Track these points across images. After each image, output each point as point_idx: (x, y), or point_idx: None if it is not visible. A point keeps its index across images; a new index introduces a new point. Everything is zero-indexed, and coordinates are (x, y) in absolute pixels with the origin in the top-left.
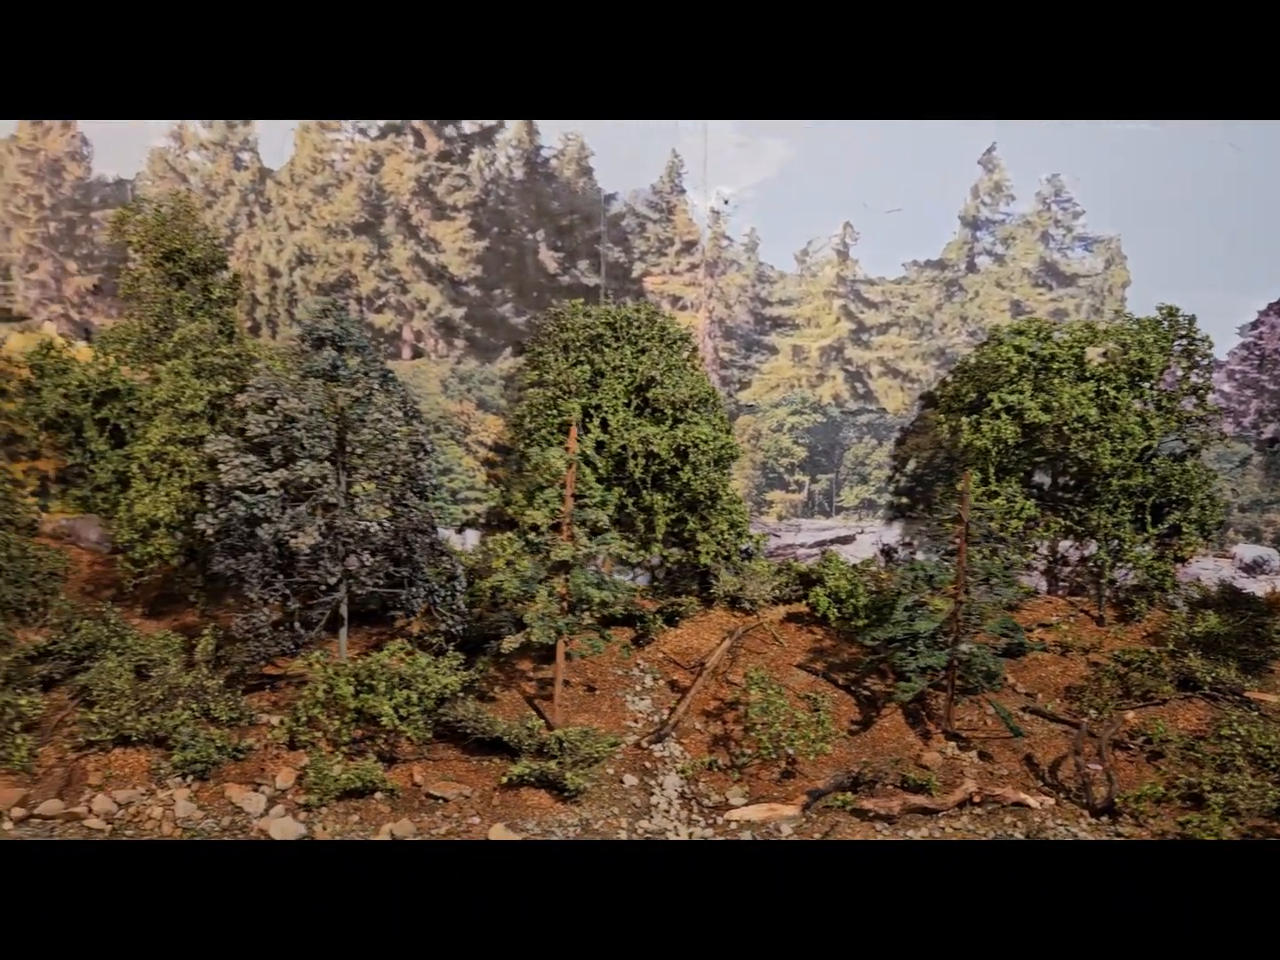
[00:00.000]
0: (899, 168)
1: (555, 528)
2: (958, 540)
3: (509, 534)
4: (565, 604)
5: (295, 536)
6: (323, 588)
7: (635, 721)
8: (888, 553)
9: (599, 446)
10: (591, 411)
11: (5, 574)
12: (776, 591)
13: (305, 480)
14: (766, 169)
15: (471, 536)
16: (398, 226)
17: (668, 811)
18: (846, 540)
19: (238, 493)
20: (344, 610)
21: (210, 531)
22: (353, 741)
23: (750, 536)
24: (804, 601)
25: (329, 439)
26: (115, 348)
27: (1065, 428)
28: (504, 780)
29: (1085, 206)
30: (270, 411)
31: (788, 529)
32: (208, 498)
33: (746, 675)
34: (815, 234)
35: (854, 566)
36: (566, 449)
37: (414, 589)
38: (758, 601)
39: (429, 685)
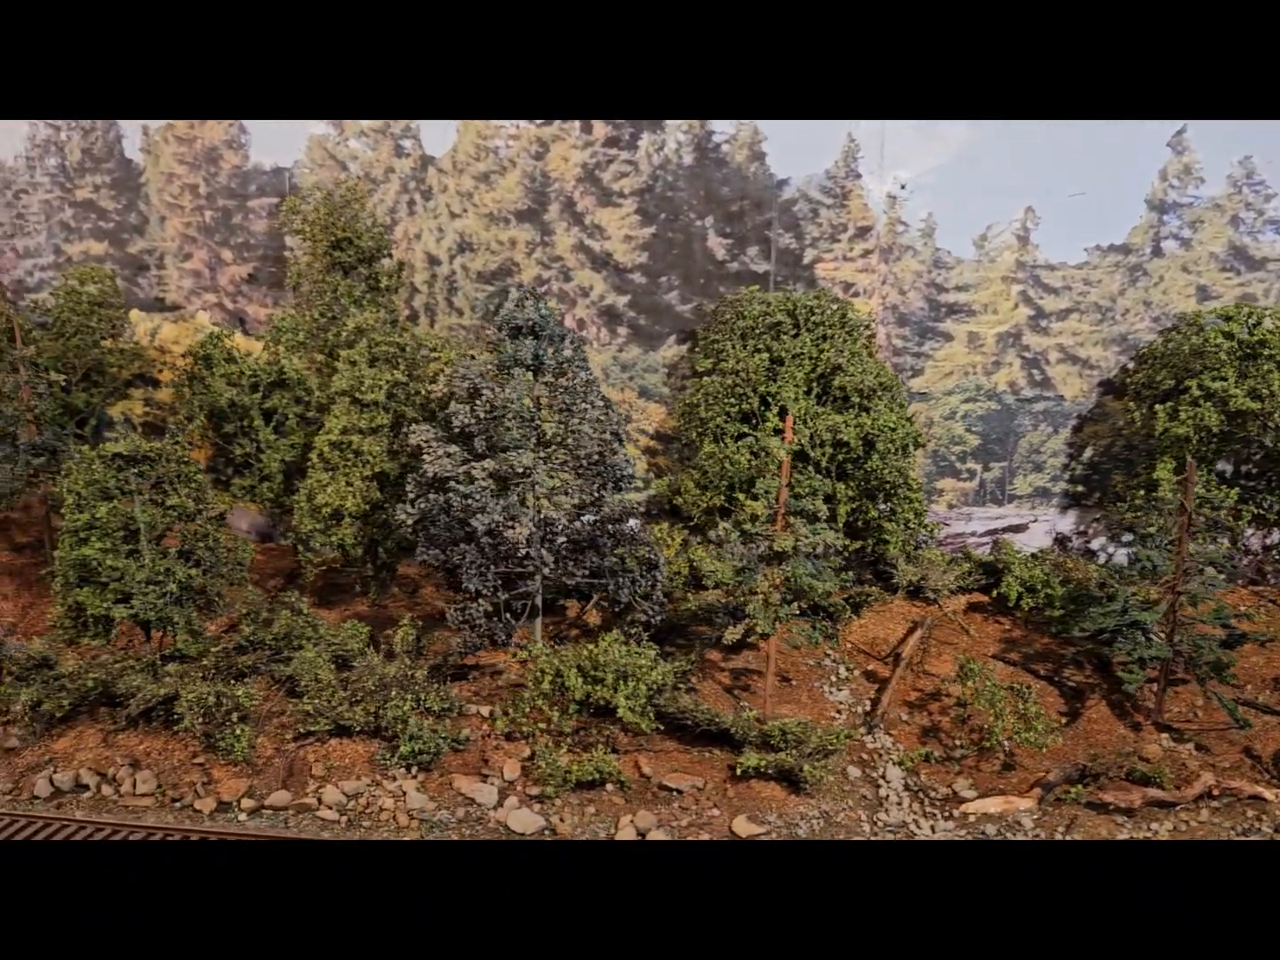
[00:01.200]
0: (1083, 151)
1: (765, 519)
2: (1176, 530)
3: (668, 525)
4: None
5: (511, 527)
6: (526, 579)
7: (838, 713)
8: (1061, 541)
9: (777, 434)
10: (770, 399)
11: (203, 564)
12: (960, 581)
13: (515, 471)
14: (945, 153)
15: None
16: (562, 213)
17: (899, 804)
18: (1019, 529)
19: (452, 484)
20: (539, 600)
21: (409, 522)
22: (574, 733)
23: (926, 526)
24: (992, 591)
25: (538, 429)
26: (288, 337)
27: (1277, 415)
28: (736, 772)
29: (1277, 190)
30: (477, 401)
31: (958, 517)
32: (408, 488)
33: (963, 666)
34: (994, 219)
35: (1033, 555)
36: (784, 439)
37: (620, 578)
38: (941, 591)
39: (651, 676)
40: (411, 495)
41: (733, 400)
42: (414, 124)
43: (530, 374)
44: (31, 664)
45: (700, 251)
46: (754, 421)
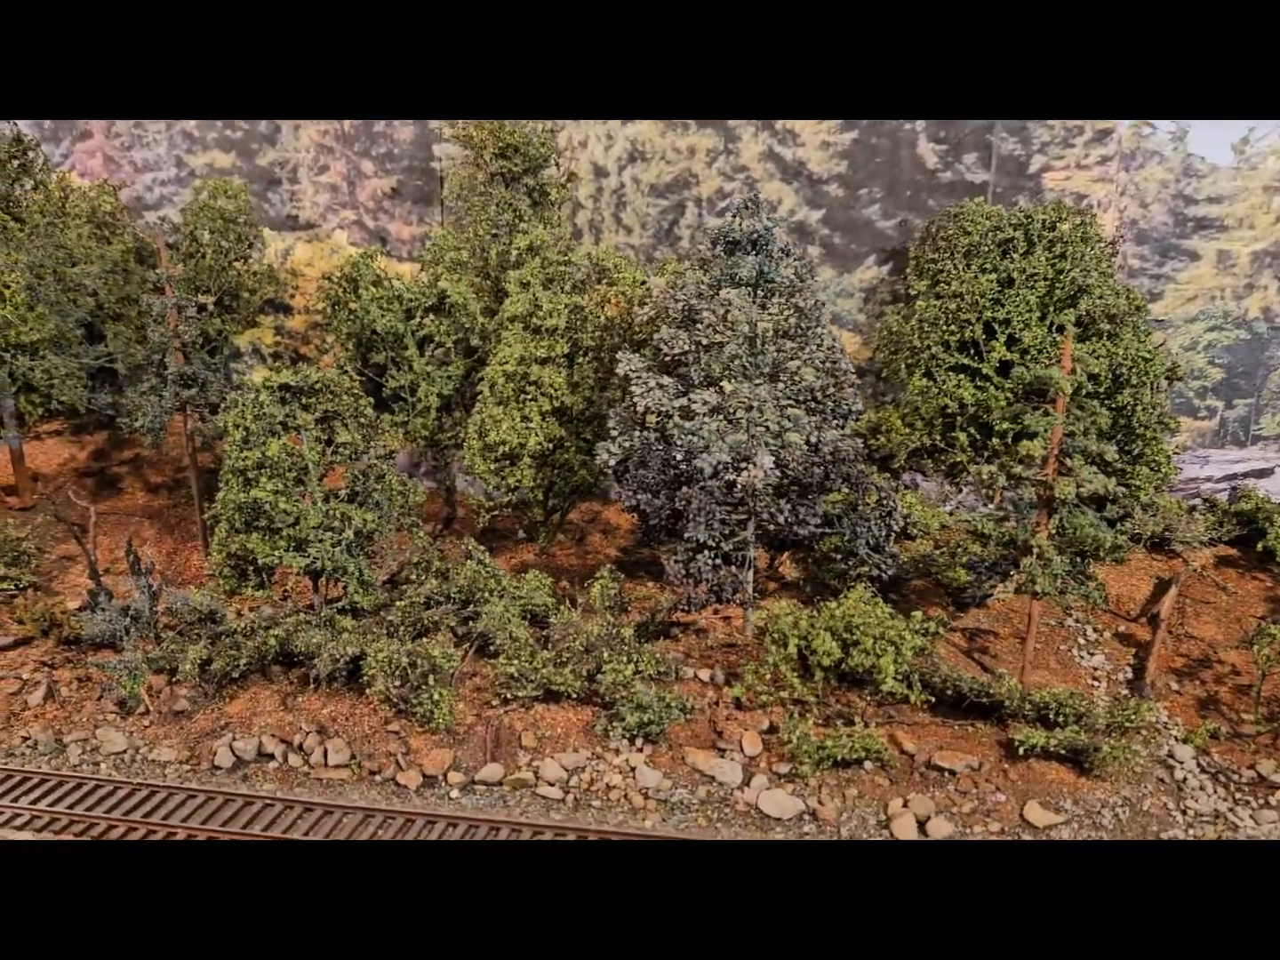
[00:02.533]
0: None
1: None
2: None
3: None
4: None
5: (742, 469)
6: (739, 526)
7: (1095, 680)
8: None
9: (1004, 367)
10: (996, 327)
11: (377, 507)
12: (1210, 532)
13: (743, 404)
14: None
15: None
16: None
17: (1201, 789)
18: (1264, 474)
19: (674, 420)
20: (752, 553)
21: (611, 462)
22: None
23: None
24: (1256, 544)
25: (767, 357)
26: (451, 256)
27: None
28: (1019, 751)
29: None
30: (697, 326)
31: (1193, 460)
32: (610, 424)
33: (1263, 630)
34: (1259, 121)
35: None
36: (1062, 367)
37: (858, 527)
38: (1190, 543)
39: (914, 641)
40: (615, 432)
41: (953, 328)
42: None
43: (750, 294)
44: (196, 618)
45: (908, 159)
46: (975, 351)
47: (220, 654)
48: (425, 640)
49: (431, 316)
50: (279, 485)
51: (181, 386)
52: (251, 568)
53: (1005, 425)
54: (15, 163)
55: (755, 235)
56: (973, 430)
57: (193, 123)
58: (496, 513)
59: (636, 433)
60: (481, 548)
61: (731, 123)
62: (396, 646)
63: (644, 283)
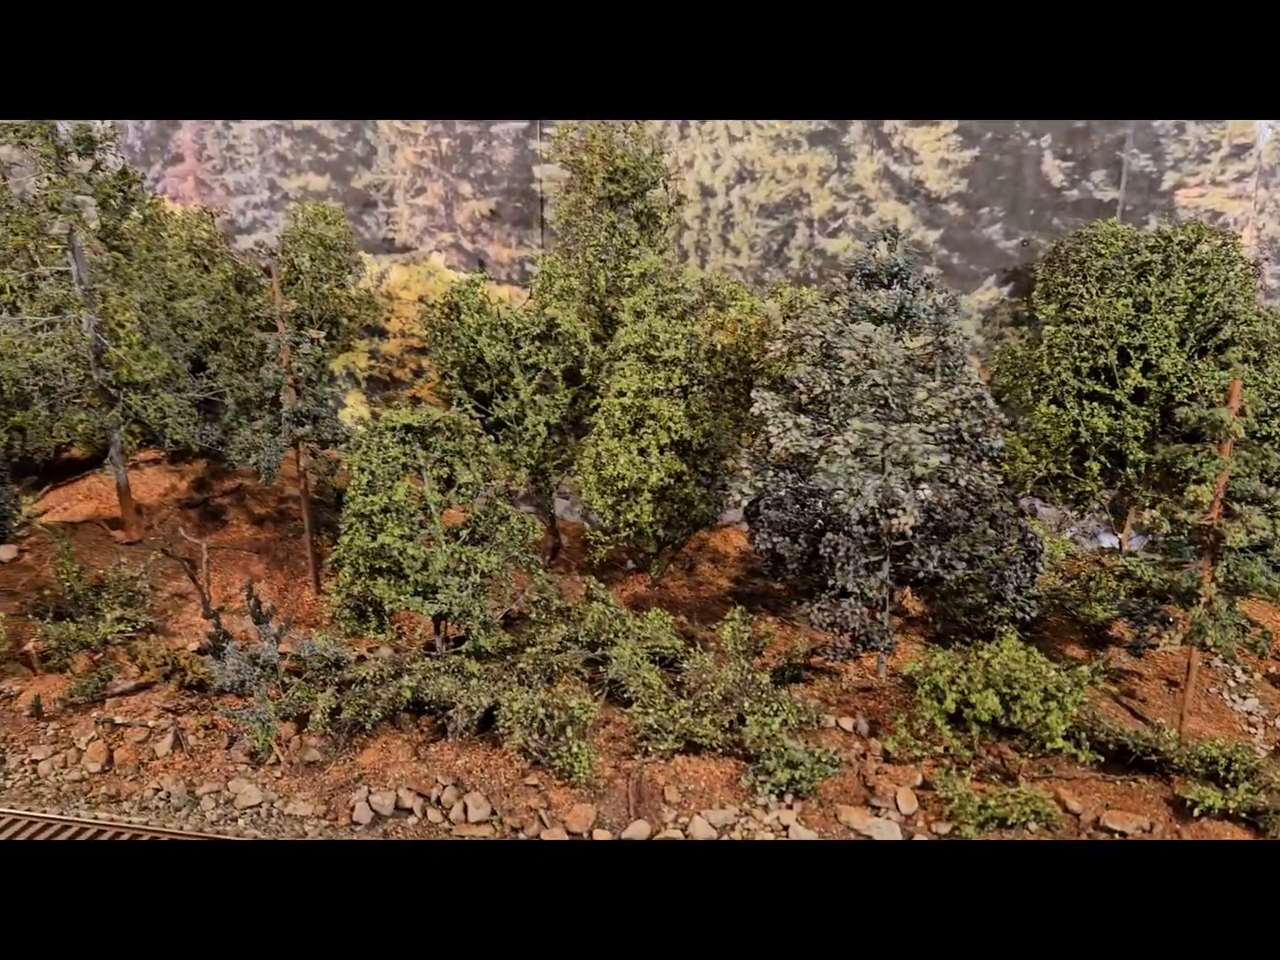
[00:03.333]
0: None
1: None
2: None
3: None
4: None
5: (891, 515)
6: (920, 575)
7: (1251, 727)
8: None
9: (1139, 395)
10: (1131, 353)
11: (500, 548)
12: None
13: (893, 447)
14: None
15: None
16: (865, 134)
17: None
18: None
19: (821, 464)
20: (887, 595)
21: (743, 502)
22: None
23: None
24: None
25: (912, 396)
26: (561, 284)
27: None
28: (1193, 811)
29: None
30: (840, 365)
31: None
32: (743, 463)
33: None
34: None
35: None
36: (1230, 408)
37: (1005, 570)
38: None
39: (1077, 695)
40: (747, 472)
41: (1085, 354)
42: None
43: (896, 330)
44: (322, 664)
45: (1033, 177)
46: (1108, 378)
47: (350, 703)
48: (556, 686)
49: (539, 345)
50: (406, 530)
51: (295, 424)
52: (371, 609)
53: (1141, 455)
54: (121, 196)
55: (895, 268)
56: (1105, 459)
57: (287, 144)
58: (612, 545)
59: (770, 472)
60: (602, 586)
61: (846, 141)
62: (531, 696)
63: (758, 309)
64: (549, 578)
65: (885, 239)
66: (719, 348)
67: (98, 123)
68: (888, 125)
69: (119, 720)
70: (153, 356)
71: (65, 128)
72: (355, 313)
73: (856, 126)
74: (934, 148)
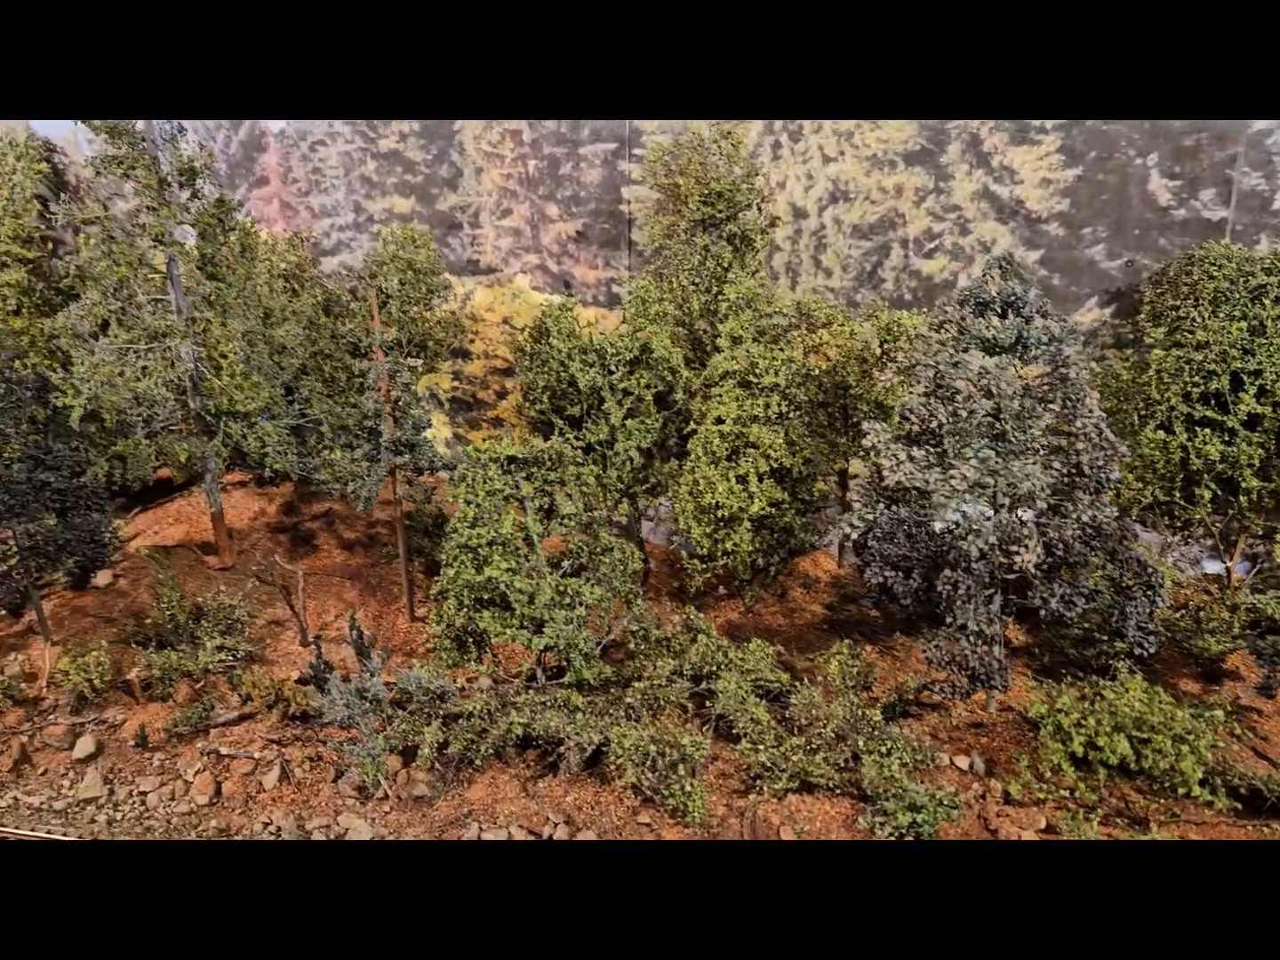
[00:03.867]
0: None
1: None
2: None
3: None
4: None
5: (1014, 553)
6: (1041, 613)
7: None
8: None
9: (1252, 421)
10: (1245, 378)
11: (603, 580)
12: None
13: (1014, 483)
14: None
15: None
16: (964, 154)
17: None
18: None
19: (937, 498)
20: (999, 629)
21: (853, 535)
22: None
23: None
24: None
25: (1030, 428)
26: (657, 309)
27: None
28: None
29: None
30: (956, 399)
31: None
32: (853, 495)
33: None
34: None
35: None
36: None
37: (1127, 605)
38: None
39: (1205, 739)
40: (858, 504)
41: (1196, 379)
42: None
43: (1013, 360)
44: (428, 696)
45: (1138, 196)
46: (1220, 403)
47: (457, 737)
48: (661, 720)
49: (631, 369)
50: (512, 563)
51: (394, 453)
52: (471, 640)
53: (1256, 483)
54: (219, 224)
55: (1011, 298)
56: (1216, 487)
57: (372, 167)
58: (708, 574)
59: (881, 505)
60: (702, 616)
61: (944, 160)
62: (640, 733)
63: (856, 334)
64: (646, 606)
65: (1000, 267)
66: (815, 372)
67: (197, 151)
68: (987, 144)
69: (224, 751)
70: (254, 386)
71: (167, 159)
72: (443, 336)
73: (955, 146)
74: (1035, 167)
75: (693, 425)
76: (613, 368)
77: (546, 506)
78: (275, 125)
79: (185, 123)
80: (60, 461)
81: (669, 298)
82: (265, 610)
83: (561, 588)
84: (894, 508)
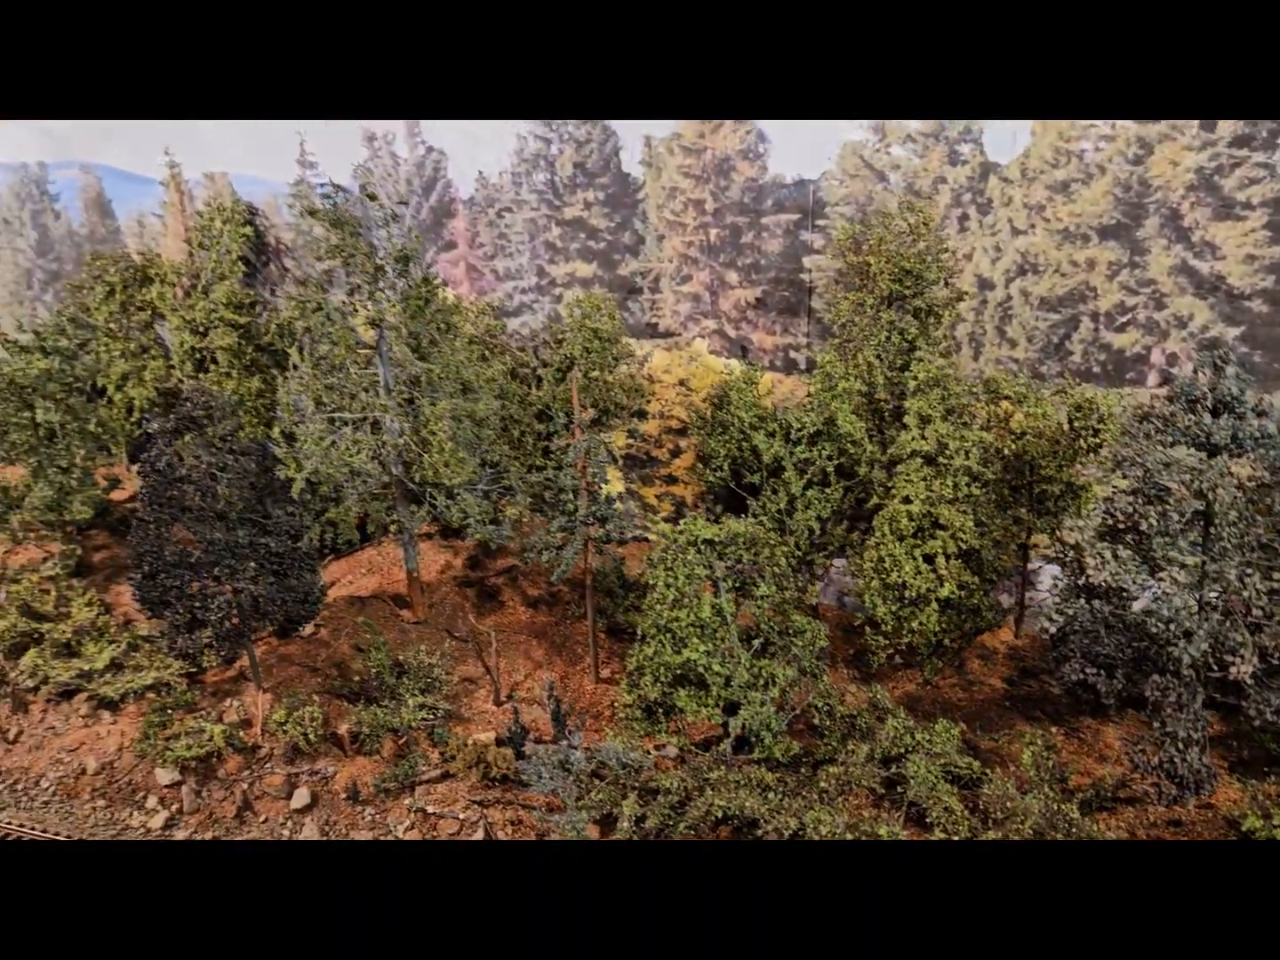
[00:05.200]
0: None
1: None
2: None
3: None
4: None
5: (1229, 662)
6: (1255, 715)
7: None
8: None
9: None
10: None
11: (795, 660)
12: None
13: (1223, 589)
14: None
15: None
16: (1162, 229)
17: None
18: None
19: (1146, 601)
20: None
21: (1051, 629)
22: None
23: None
24: None
25: (1247, 531)
26: (844, 384)
27: None
28: None
29: None
30: (1168, 501)
31: None
32: (1049, 589)
33: None
34: None
35: None
36: None
37: None
38: None
39: None
40: (1056, 600)
41: None
42: (975, 126)
43: (1227, 461)
44: (624, 767)
45: None
46: None
47: (654, 812)
48: (853, 803)
49: (814, 441)
50: (709, 645)
51: (589, 525)
52: (661, 710)
53: None
54: (425, 304)
55: (1226, 397)
56: None
57: (557, 233)
58: (890, 650)
59: (1081, 602)
60: (886, 694)
61: (1140, 234)
62: (834, 819)
63: (1049, 416)
64: (830, 682)
65: (1216, 364)
66: (1004, 451)
67: (409, 237)
68: (1188, 219)
69: (430, 810)
70: (460, 462)
71: (383, 246)
72: (624, 399)
73: (1153, 220)
74: (1239, 243)
75: (875, 499)
76: (796, 439)
77: (738, 585)
78: (464, 192)
79: (374, 186)
80: (279, 526)
81: (854, 372)
82: (457, 666)
83: (755, 669)
84: (1094, 604)
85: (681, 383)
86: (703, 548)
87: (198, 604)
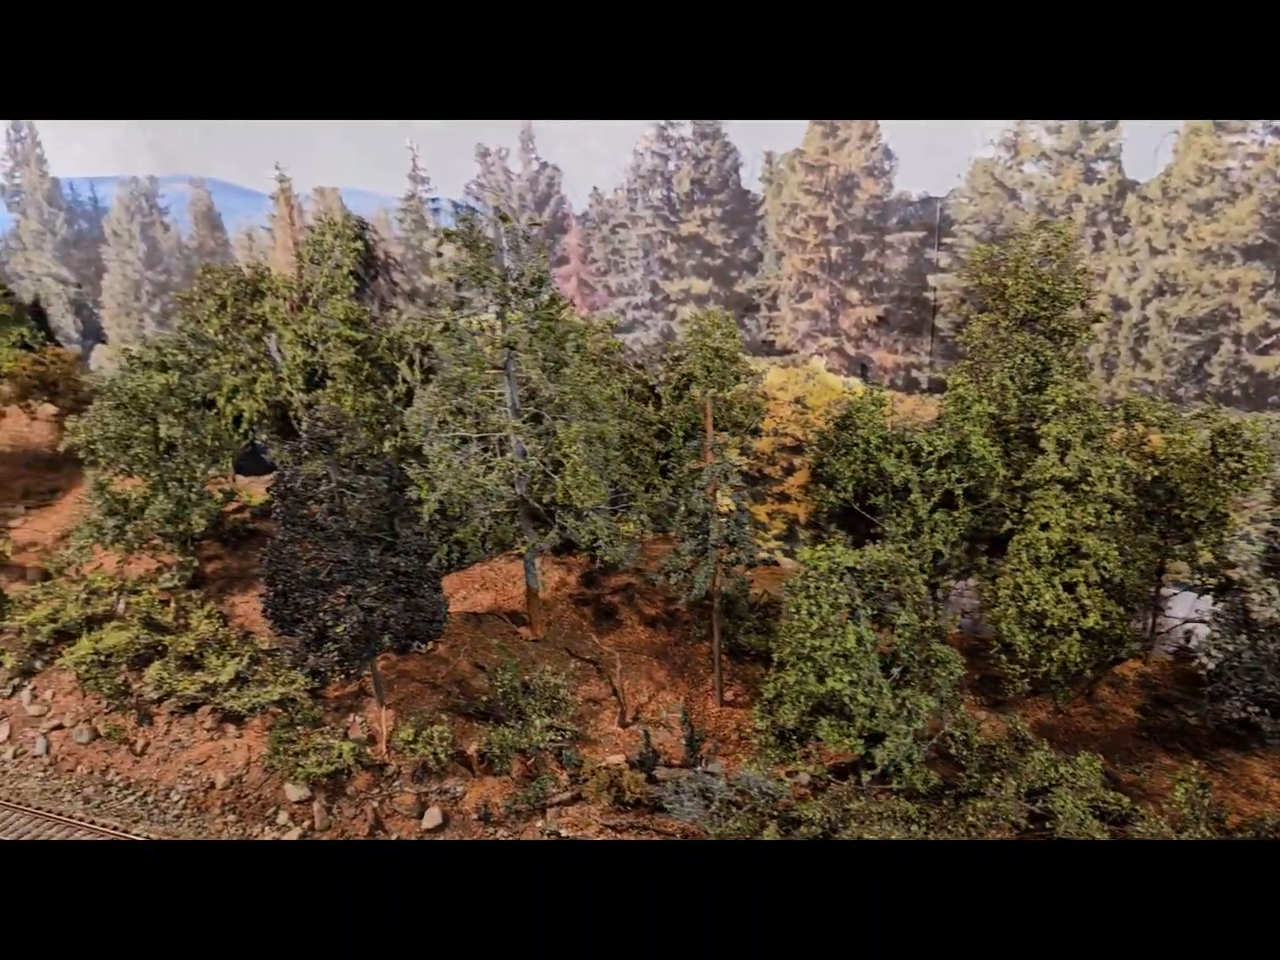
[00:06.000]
0: None
1: None
2: None
3: None
4: None
5: None
6: None
7: None
8: None
9: None
10: None
11: (932, 686)
12: None
13: None
14: None
15: None
16: None
17: None
18: None
19: None
20: None
21: (1210, 665)
22: None
23: None
24: None
25: None
26: (979, 408)
27: None
28: None
29: None
30: None
31: None
32: (1210, 618)
33: None
34: None
35: None
36: None
37: None
38: None
39: None
40: (1216, 635)
41: None
42: (1114, 144)
43: None
44: (762, 796)
45: None
46: None
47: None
48: (994, 834)
49: (943, 465)
50: (854, 676)
51: (718, 547)
52: (794, 737)
53: None
54: (553, 324)
55: None
56: None
57: (672, 249)
58: (1027, 679)
59: (1242, 637)
60: (1025, 724)
61: None
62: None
63: (1187, 440)
64: (966, 712)
65: None
66: (1145, 477)
67: (540, 258)
68: None
69: (564, 833)
70: (593, 485)
71: (515, 268)
72: (742, 418)
73: None
74: None
75: (1007, 524)
76: (926, 462)
77: (877, 613)
78: (578, 208)
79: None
80: (407, 545)
81: (987, 395)
82: (580, 687)
83: (899, 699)
84: (1259, 642)
85: (797, 400)
86: (846, 575)
87: (329, 622)
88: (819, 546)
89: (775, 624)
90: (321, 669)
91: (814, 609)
